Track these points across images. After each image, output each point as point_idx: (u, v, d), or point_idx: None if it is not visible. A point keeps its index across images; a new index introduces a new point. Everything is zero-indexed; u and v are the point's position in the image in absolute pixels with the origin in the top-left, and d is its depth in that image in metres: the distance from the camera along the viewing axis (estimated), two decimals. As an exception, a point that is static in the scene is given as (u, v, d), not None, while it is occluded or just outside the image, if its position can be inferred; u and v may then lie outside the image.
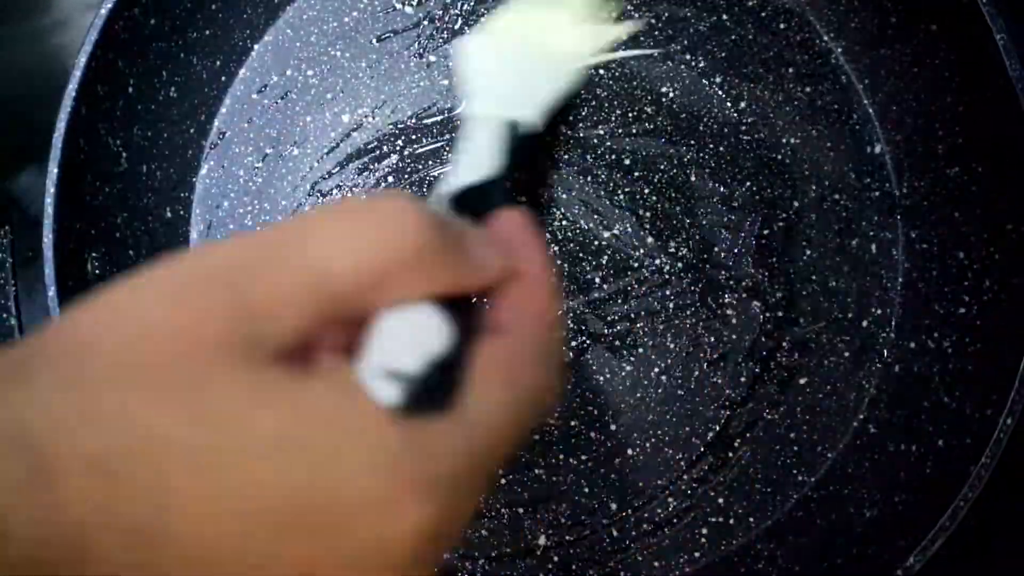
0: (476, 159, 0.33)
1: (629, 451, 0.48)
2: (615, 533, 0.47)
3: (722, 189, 0.50)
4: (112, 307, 0.20)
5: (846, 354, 0.49)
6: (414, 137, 0.50)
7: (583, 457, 0.48)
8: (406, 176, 0.50)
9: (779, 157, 0.50)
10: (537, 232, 0.28)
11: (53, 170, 0.42)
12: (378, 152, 0.50)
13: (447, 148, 0.50)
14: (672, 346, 0.49)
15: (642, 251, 0.49)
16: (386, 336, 0.22)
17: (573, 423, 0.48)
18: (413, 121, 0.50)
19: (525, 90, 0.39)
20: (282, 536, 0.19)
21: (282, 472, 0.19)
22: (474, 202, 0.30)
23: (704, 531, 0.48)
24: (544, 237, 0.27)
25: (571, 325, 0.49)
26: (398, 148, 0.50)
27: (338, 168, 0.50)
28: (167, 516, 0.18)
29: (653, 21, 0.51)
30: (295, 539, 0.19)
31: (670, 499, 0.48)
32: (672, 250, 0.49)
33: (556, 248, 0.49)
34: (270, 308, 0.20)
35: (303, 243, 0.21)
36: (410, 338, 0.22)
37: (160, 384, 0.19)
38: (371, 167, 0.50)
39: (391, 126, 0.50)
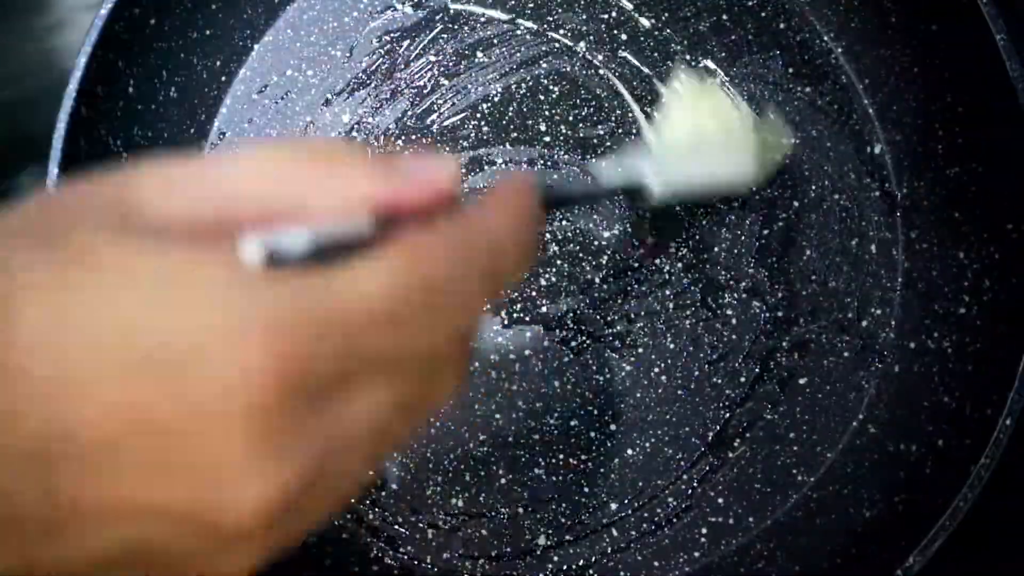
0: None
1: (629, 451, 0.48)
2: (615, 533, 0.47)
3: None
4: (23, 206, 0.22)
5: (846, 354, 0.49)
6: (414, 137, 0.50)
7: (583, 457, 0.48)
8: (406, 176, 0.50)
9: (779, 157, 0.50)
10: (528, 191, 0.27)
11: (53, 170, 0.42)
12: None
13: (447, 147, 0.50)
14: (672, 346, 0.49)
15: (642, 251, 0.49)
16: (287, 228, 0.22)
17: (573, 423, 0.48)
18: (413, 121, 0.50)
19: (682, 167, 0.41)
20: (126, 376, 0.19)
21: (128, 310, 0.19)
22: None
23: (704, 531, 0.48)
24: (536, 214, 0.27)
25: (571, 325, 0.49)
26: (398, 148, 0.50)
27: (338, 168, 0.50)
28: (12, 350, 0.18)
29: (653, 21, 0.51)
30: (138, 380, 0.19)
31: (670, 499, 0.48)
32: (672, 250, 0.49)
33: (556, 248, 0.49)
34: (157, 191, 0.21)
35: (212, 164, 0.22)
36: (311, 227, 0.22)
37: (31, 239, 0.20)
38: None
39: (391, 125, 0.50)
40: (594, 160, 0.45)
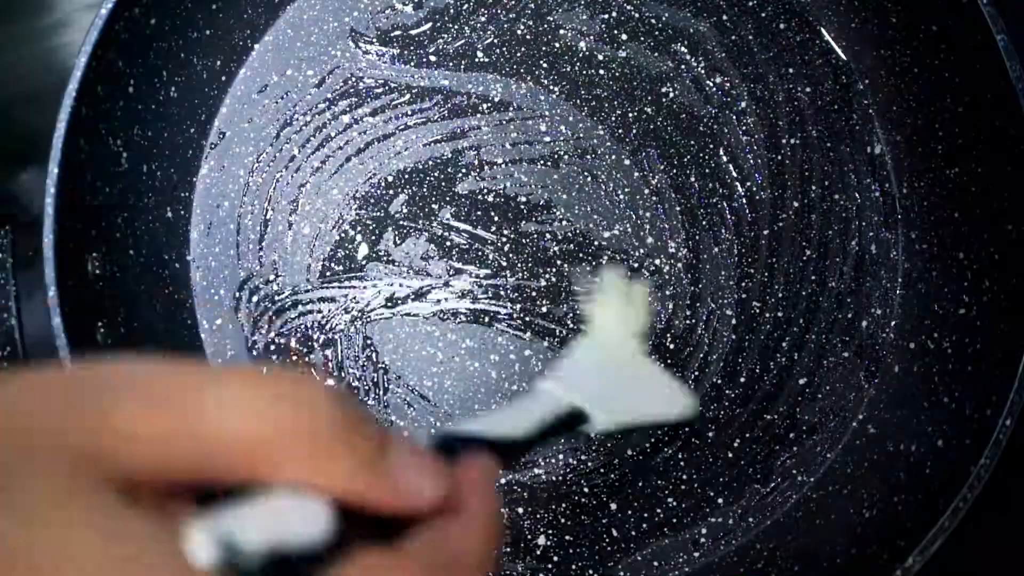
0: (510, 420, 0.31)
1: (629, 451, 0.48)
2: (615, 533, 0.47)
3: (722, 189, 0.50)
4: None
5: (845, 354, 0.49)
6: (415, 137, 0.50)
7: (583, 457, 0.48)
8: (405, 176, 0.50)
9: (779, 157, 0.50)
10: (495, 494, 0.25)
11: (53, 170, 0.42)
12: (379, 152, 0.50)
13: (448, 150, 0.50)
14: (672, 346, 0.49)
15: (642, 251, 0.49)
16: (247, 505, 0.21)
17: (573, 423, 0.48)
18: (412, 121, 0.50)
19: (613, 395, 0.38)
20: None
21: None
22: (465, 450, 0.28)
23: (704, 531, 0.48)
24: (498, 502, 0.26)
25: (571, 325, 0.49)
26: (398, 148, 0.50)
27: (339, 168, 0.50)
28: None
29: (653, 21, 0.51)
30: None
31: (670, 499, 0.48)
32: (672, 250, 0.49)
33: (556, 248, 0.49)
34: (135, 444, 0.20)
35: (192, 393, 0.20)
36: (269, 517, 0.20)
37: None
38: (371, 167, 0.50)
39: (391, 126, 0.50)
40: (532, 388, 0.37)
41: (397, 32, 0.51)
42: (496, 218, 0.49)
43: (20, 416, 0.20)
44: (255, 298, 0.49)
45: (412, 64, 0.51)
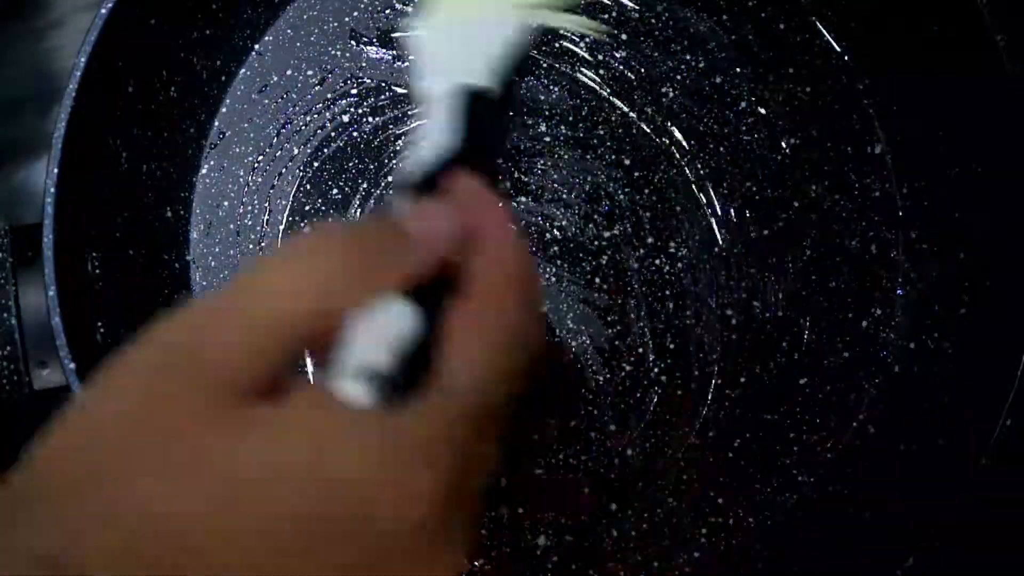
0: (435, 138, 0.33)
1: (629, 451, 0.48)
2: (615, 533, 0.47)
3: (722, 189, 0.50)
4: (87, 417, 0.22)
5: (846, 354, 0.49)
6: (415, 137, 0.50)
7: (583, 457, 0.48)
8: (405, 176, 0.50)
9: (779, 157, 0.50)
10: (494, 195, 0.29)
11: (53, 170, 0.42)
12: (379, 152, 0.50)
13: (447, 148, 0.50)
14: (672, 346, 0.49)
15: (642, 251, 0.49)
16: (353, 339, 0.23)
17: (573, 423, 0.48)
18: (413, 120, 0.50)
19: (477, 55, 0.36)
20: (310, 553, 0.20)
21: (283, 496, 0.20)
22: (437, 181, 0.31)
23: (704, 531, 0.48)
24: (503, 202, 0.29)
25: (571, 326, 0.49)
26: (398, 148, 0.50)
27: (339, 168, 0.50)
28: None
29: (653, 21, 0.51)
30: (320, 553, 0.21)
31: (670, 499, 0.48)
32: (672, 250, 0.49)
33: (556, 248, 0.49)
34: (229, 363, 0.22)
35: (245, 299, 0.23)
36: (376, 334, 0.23)
37: (149, 467, 0.21)
38: (371, 168, 0.50)
39: (391, 126, 0.50)
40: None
41: (397, 32, 0.51)
42: (496, 218, 0.49)
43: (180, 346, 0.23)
44: (255, 298, 0.49)
45: (412, 62, 0.51)
